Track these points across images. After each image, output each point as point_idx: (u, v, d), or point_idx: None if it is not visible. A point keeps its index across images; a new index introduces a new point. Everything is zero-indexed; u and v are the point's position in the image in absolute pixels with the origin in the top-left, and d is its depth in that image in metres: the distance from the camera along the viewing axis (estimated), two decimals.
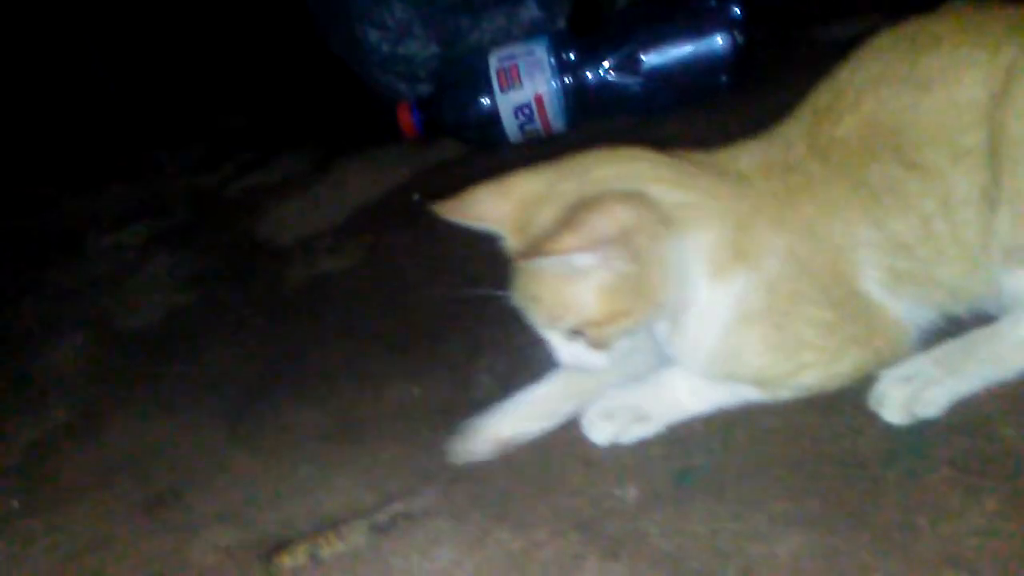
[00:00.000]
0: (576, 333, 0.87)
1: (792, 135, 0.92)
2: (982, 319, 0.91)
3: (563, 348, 0.89)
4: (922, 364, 0.88)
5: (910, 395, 0.85)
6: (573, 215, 0.81)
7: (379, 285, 1.45)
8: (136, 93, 2.79)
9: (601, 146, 0.92)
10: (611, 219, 0.81)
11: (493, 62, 1.72)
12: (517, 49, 1.73)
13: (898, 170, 0.86)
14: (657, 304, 0.86)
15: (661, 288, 0.85)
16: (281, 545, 0.93)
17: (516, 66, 1.71)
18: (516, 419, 1.00)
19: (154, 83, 2.82)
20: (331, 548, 0.91)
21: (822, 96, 0.92)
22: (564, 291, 0.85)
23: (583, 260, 0.82)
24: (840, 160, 0.88)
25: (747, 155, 0.92)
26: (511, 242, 0.90)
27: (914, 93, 0.86)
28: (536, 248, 0.82)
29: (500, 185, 0.91)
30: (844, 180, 0.88)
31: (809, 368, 0.89)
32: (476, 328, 1.22)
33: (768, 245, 0.87)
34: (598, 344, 0.87)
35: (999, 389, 0.86)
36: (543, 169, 0.90)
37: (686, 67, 1.66)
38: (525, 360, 1.07)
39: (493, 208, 0.90)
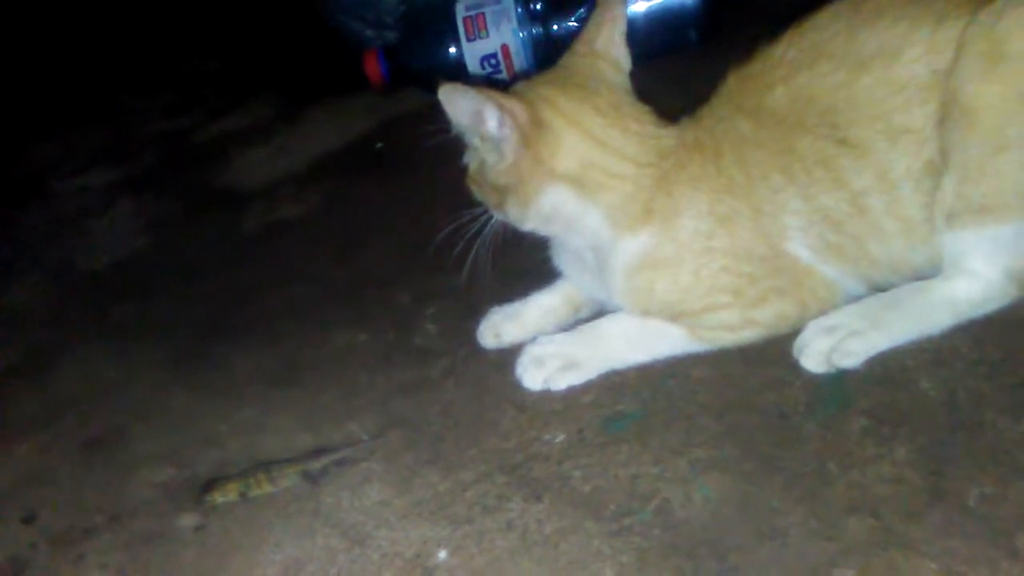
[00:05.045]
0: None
1: (718, 100, 0.94)
2: None
3: None
4: (847, 316, 0.88)
5: (831, 345, 0.86)
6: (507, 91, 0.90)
7: (335, 233, 1.45)
8: (109, 37, 2.75)
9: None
10: (515, 114, 0.88)
11: (460, 10, 1.69)
12: None
13: (829, 146, 0.86)
14: (527, 213, 0.92)
15: (533, 206, 0.92)
16: (214, 482, 0.95)
17: (483, 15, 1.68)
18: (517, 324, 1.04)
19: (127, 26, 2.78)
20: (260, 489, 0.92)
21: (754, 65, 0.92)
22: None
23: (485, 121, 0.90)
24: (769, 125, 0.88)
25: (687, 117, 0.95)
26: None
27: (850, 71, 0.85)
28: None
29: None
30: (772, 145, 0.88)
31: (725, 308, 0.90)
32: (425, 278, 1.22)
33: (684, 204, 0.89)
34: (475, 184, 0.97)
35: (923, 344, 0.87)
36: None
37: (655, 21, 1.63)
38: (471, 308, 1.08)
39: None
